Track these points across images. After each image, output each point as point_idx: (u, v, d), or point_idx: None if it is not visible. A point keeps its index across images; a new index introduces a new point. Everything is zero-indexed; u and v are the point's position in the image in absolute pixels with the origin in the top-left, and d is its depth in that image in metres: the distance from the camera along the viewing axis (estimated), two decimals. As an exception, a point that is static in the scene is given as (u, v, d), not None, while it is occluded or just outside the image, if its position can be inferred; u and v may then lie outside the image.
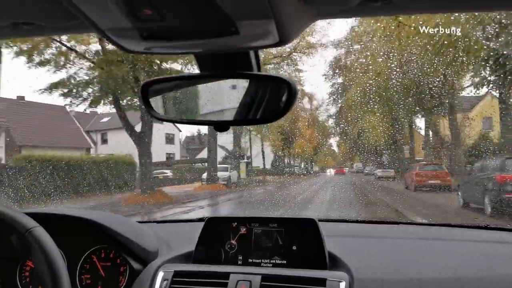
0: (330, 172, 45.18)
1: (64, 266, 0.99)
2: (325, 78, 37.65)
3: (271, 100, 0.83)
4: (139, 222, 1.77)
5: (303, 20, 0.63)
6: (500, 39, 11.89)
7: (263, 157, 31.72)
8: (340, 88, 36.37)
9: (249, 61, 0.78)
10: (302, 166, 44.78)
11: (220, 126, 0.88)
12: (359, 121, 27.69)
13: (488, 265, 1.33)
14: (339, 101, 37.16)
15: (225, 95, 0.88)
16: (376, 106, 21.58)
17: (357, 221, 1.95)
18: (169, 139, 35.09)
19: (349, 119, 30.16)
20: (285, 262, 1.37)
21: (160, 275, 1.33)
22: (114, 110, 14.97)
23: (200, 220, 1.88)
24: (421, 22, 12.51)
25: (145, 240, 1.48)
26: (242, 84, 0.86)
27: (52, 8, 0.65)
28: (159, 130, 31.02)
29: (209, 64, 0.80)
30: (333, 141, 49.59)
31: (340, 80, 35.74)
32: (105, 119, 35.15)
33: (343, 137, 38.61)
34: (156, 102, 0.89)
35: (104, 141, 33.50)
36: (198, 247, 1.45)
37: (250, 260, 1.40)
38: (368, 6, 0.61)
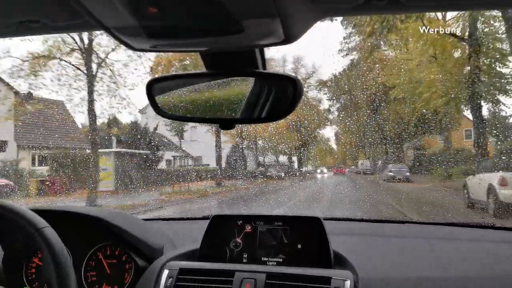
0: (322, 173, 34.43)
1: (71, 266, 1.00)
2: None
3: (276, 98, 0.83)
4: (145, 219, 1.78)
5: (308, 18, 0.63)
6: None
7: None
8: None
9: (255, 59, 0.78)
10: (295, 164, 31.77)
11: (225, 124, 0.88)
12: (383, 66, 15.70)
13: (493, 264, 1.32)
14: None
15: (230, 93, 0.88)
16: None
17: (362, 220, 1.95)
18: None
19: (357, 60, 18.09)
20: (290, 260, 1.37)
21: (165, 272, 1.34)
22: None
23: (205, 218, 1.89)
24: None
25: (151, 237, 1.49)
26: (248, 82, 0.86)
27: (58, 7, 0.65)
28: None
29: (214, 62, 0.80)
30: (331, 132, 38.12)
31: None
32: None
33: (347, 108, 23.82)
34: (162, 100, 0.89)
35: None
36: (203, 245, 1.45)
37: (255, 258, 1.40)
38: (374, 5, 0.61)
